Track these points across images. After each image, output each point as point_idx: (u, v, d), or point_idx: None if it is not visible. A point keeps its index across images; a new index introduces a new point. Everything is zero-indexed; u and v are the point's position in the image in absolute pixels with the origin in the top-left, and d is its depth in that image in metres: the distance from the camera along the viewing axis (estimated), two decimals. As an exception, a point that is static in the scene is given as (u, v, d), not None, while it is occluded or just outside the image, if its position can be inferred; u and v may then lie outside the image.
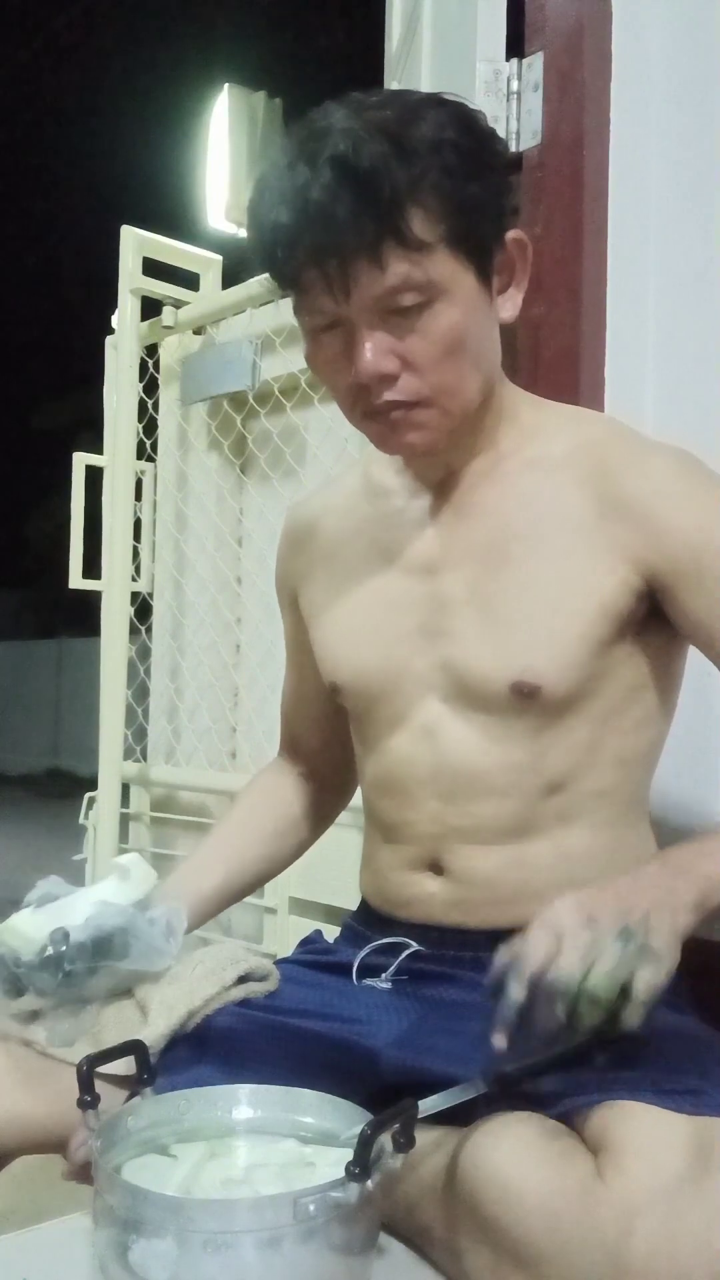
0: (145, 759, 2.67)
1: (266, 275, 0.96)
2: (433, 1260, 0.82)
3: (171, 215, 3.62)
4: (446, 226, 0.88)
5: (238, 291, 2.37)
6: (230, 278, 2.56)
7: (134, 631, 2.54)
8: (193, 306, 2.53)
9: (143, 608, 2.64)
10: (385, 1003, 1.00)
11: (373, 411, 0.95)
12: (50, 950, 0.92)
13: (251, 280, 2.21)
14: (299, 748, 1.26)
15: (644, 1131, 0.75)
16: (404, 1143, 0.73)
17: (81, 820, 2.59)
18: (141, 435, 2.57)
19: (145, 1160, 0.82)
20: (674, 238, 1.44)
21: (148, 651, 2.72)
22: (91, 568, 2.61)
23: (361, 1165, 0.70)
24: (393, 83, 1.68)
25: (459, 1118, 0.80)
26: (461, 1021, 0.92)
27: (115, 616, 2.46)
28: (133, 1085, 0.89)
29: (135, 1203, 0.70)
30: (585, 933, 0.76)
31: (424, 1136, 0.78)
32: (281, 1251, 0.68)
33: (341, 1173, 0.70)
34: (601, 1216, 0.70)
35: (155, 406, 2.64)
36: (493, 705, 0.98)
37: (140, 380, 2.55)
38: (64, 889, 1.02)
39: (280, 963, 1.11)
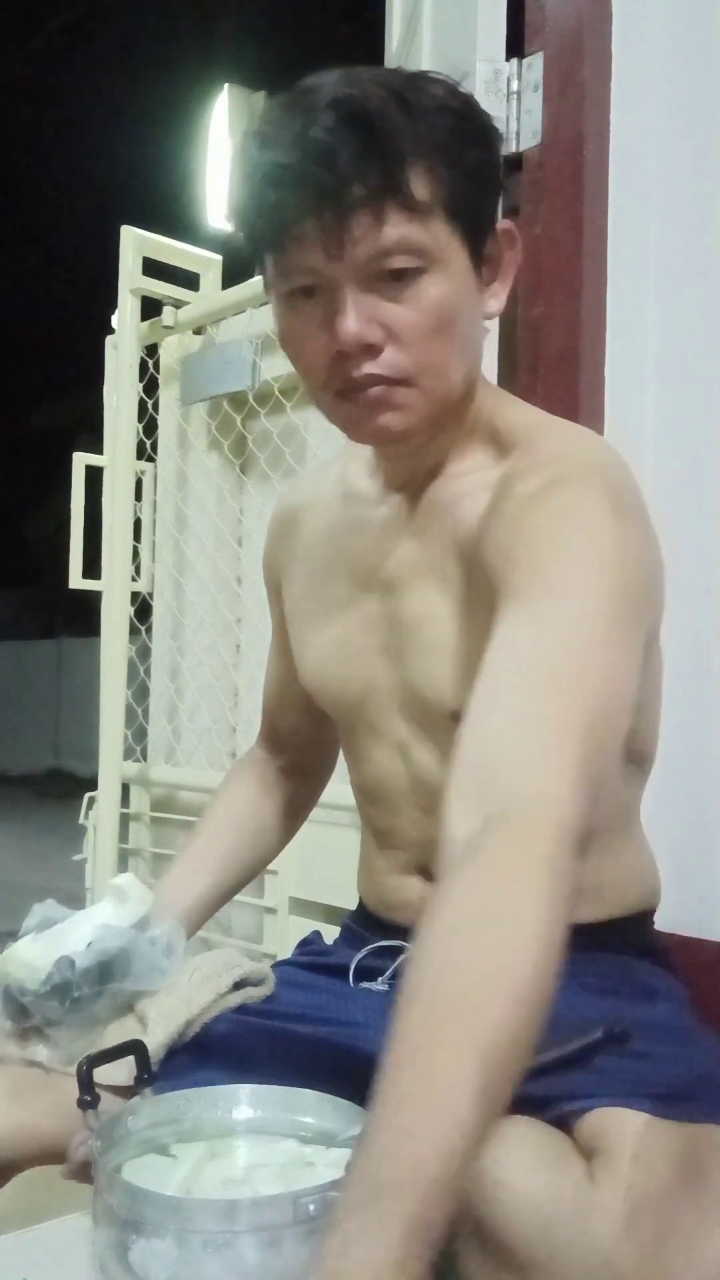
0: (145, 759, 2.67)
1: (239, 232, 0.89)
2: (431, 1262, 0.82)
3: (171, 215, 3.62)
4: (447, 192, 0.84)
5: (238, 291, 2.37)
6: (230, 278, 2.56)
7: (134, 631, 2.54)
8: (193, 306, 2.54)
9: (143, 608, 2.64)
10: (382, 1005, 0.99)
11: (349, 388, 0.87)
12: (57, 978, 0.92)
13: (252, 280, 2.21)
14: (280, 738, 1.24)
15: (638, 1138, 0.74)
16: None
17: (81, 820, 2.59)
18: (141, 435, 2.57)
19: (145, 1160, 0.82)
20: (674, 237, 1.44)
21: (148, 651, 2.72)
22: (91, 568, 2.61)
23: (361, 1165, 0.69)
24: (393, 83, 1.68)
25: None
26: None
27: (115, 616, 2.46)
28: (133, 1087, 0.89)
29: (135, 1203, 0.70)
30: None
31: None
32: (281, 1251, 0.68)
33: (341, 1173, 0.70)
34: (594, 1222, 0.70)
35: (155, 406, 2.64)
36: (447, 727, 0.93)
37: (140, 380, 2.55)
38: (61, 913, 1.01)
39: (278, 965, 1.11)
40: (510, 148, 1.52)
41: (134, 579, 2.53)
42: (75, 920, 1.00)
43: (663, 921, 1.08)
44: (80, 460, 2.65)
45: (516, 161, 1.53)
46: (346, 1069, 0.90)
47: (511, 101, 1.52)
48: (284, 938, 2.11)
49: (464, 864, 0.68)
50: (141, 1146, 0.83)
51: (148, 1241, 0.68)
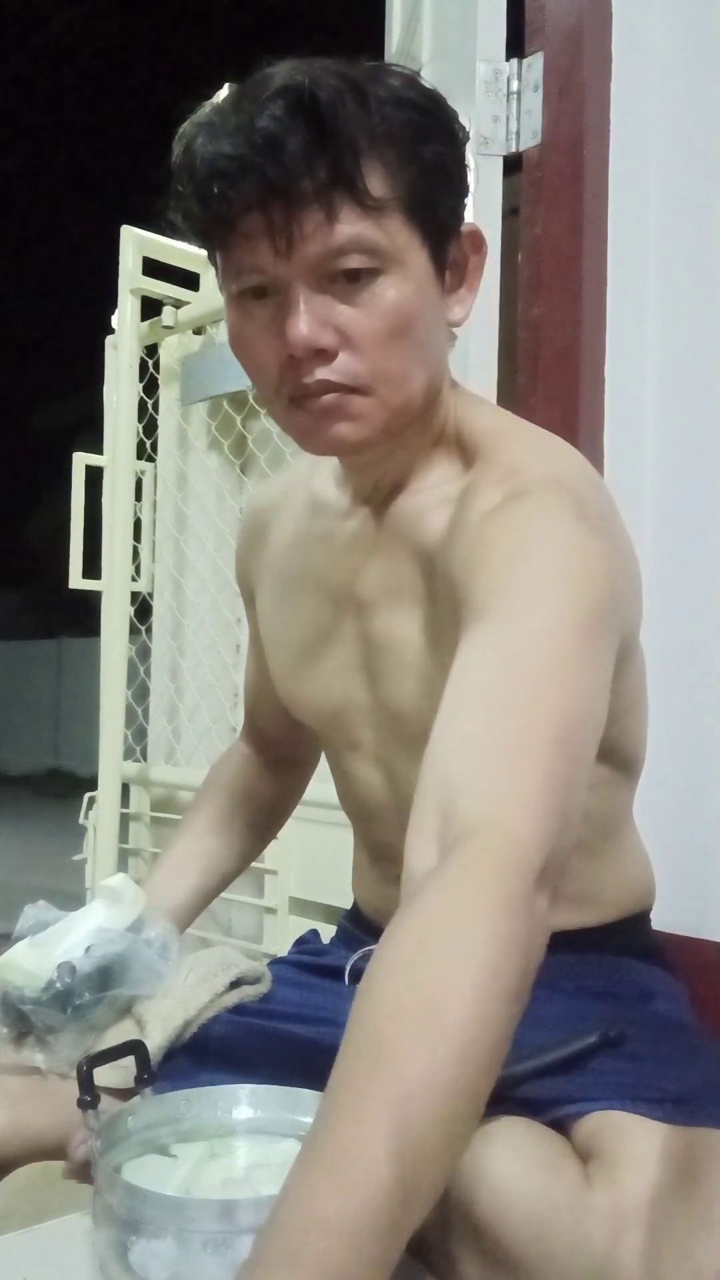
0: (145, 759, 2.67)
1: (185, 228, 0.84)
2: (429, 1263, 0.82)
3: (173, 216, 3.61)
4: (405, 188, 0.79)
5: (238, 291, 2.37)
6: (230, 278, 2.56)
7: (134, 631, 2.54)
8: (193, 306, 2.54)
9: (143, 608, 2.64)
10: None
11: (301, 395, 0.82)
12: (59, 985, 0.92)
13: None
14: (263, 736, 1.23)
15: (634, 1142, 0.74)
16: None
17: (81, 820, 2.59)
18: (141, 435, 2.57)
19: (145, 1160, 0.82)
20: (674, 237, 1.44)
21: (148, 651, 2.72)
22: (91, 568, 2.61)
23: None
24: (393, 83, 1.68)
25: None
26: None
27: (115, 616, 2.46)
28: (132, 1088, 0.89)
29: (135, 1203, 0.70)
30: None
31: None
32: (281, 1251, 0.68)
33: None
34: (590, 1226, 0.70)
35: (155, 406, 2.64)
36: (424, 744, 0.94)
37: (140, 380, 2.55)
38: (53, 914, 1.01)
39: (274, 964, 1.10)
40: (510, 148, 1.52)
41: (134, 579, 2.53)
42: (69, 922, 0.99)
43: (661, 922, 1.08)
44: (80, 460, 2.66)
45: (516, 161, 1.53)
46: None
47: (511, 101, 1.52)
48: (284, 937, 2.11)
49: (413, 898, 0.65)
50: (141, 1146, 0.83)
51: (148, 1241, 0.68)
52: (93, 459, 2.65)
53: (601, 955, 0.98)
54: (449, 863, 0.64)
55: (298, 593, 1.02)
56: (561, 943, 0.73)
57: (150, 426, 2.63)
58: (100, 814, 2.45)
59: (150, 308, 2.55)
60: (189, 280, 2.62)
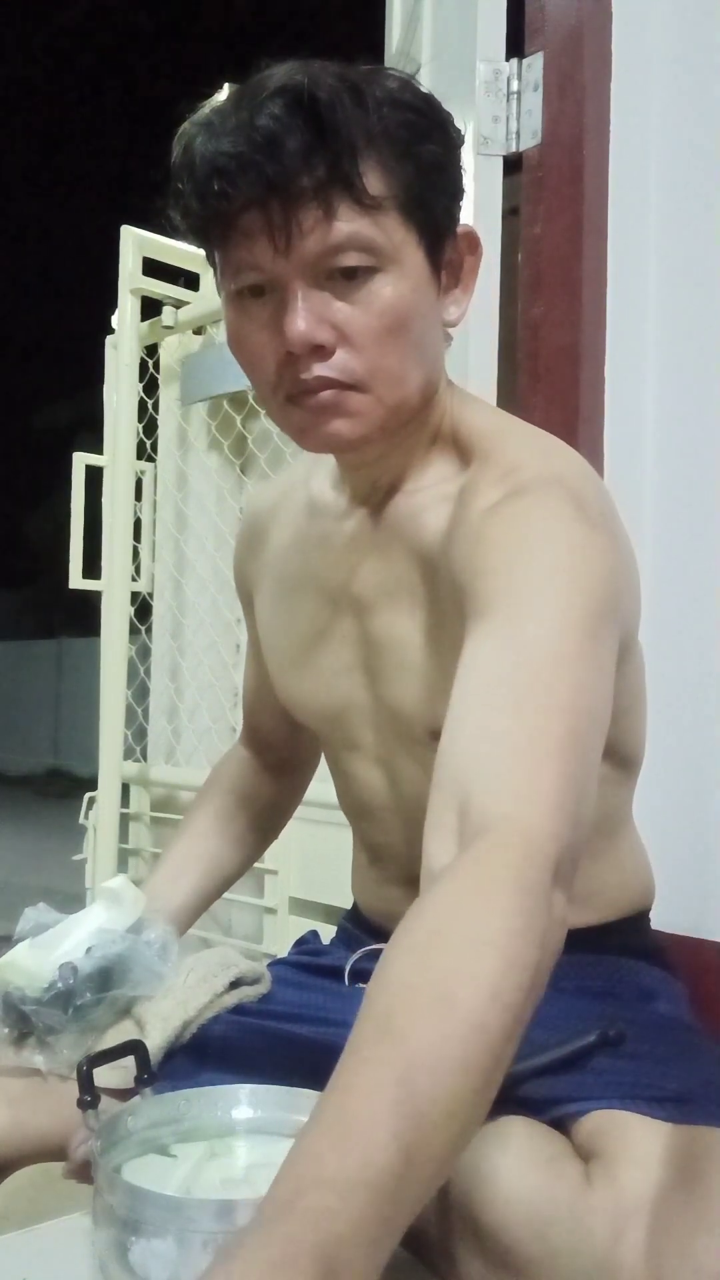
0: (145, 759, 2.67)
1: (184, 227, 0.85)
2: (429, 1263, 0.82)
3: (172, 215, 3.61)
4: (401, 188, 0.80)
5: (238, 291, 2.37)
6: (230, 278, 2.56)
7: (134, 631, 2.54)
8: (193, 306, 2.54)
9: (143, 608, 2.64)
10: None
11: (299, 392, 0.83)
12: (60, 986, 0.92)
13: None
14: (262, 739, 1.23)
15: (635, 1141, 0.74)
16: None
17: (81, 820, 2.59)
18: (141, 435, 2.57)
19: (145, 1160, 0.82)
20: (674, 237, 1.44)
21: (148, 651, 2.72)
22: (91, 568, 2.61)
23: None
24: (393, 83, 1.68)
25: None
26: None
27: (115, 616, 2.46)
28: (132, 1088, 0.89)
29: (135, 1203, 0.70)
30: None
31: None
32: (281, 1251, 0.68)
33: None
34: (590, 1224, 0.70)
35: (155, 406, 2.64)
36: (427, 744, 0.92)
37: (140, 380, 2.55)
38: (53, 917, 1.01)
39: (273, 964, 1.10)
40: (510, 148, 1.52)
41: (134, 579, 2.53)
42: (69, 924, 0.99)
43: (662, 922, 1.08)
44: (80, 460, 2.66)
45: (516, 161, 1.53)
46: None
47: (511, 101, 1.52)
48: (284, 938, 2.11)
49: (430, 888, 0.65)
50: (141, 1146, 0.83)
51: (148, 1241, 0.68)
52: (93, 459, 2.65)
53: (601, 955, 0.98)
54: (466, 855, 0.65)
55: (297, 594, 1.02)
56: None
57: (150, 426, 2.63)
58: (100, 814, 2.45)
59: (150, 308, 2.55)
60: (189, 280, 2.62)
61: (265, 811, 1.22)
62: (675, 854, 1.26)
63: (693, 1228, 0.68)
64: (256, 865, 1.28)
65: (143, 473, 2.64)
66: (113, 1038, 0.94)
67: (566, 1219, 0.71)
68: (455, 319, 0.89)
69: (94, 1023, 0.94)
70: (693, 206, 1.43)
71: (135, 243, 2.48)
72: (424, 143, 0.81)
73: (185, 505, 2.62)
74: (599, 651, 0.76)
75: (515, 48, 1.53)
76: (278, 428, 0.90)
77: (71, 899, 1.10)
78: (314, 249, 0.79)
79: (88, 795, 2.56)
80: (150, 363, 2.62)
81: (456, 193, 0.86)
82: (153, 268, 2.52)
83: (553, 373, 1.46)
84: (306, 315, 0.80)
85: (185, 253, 2.60)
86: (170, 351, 2.63)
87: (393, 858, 1.02)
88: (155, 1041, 0.93)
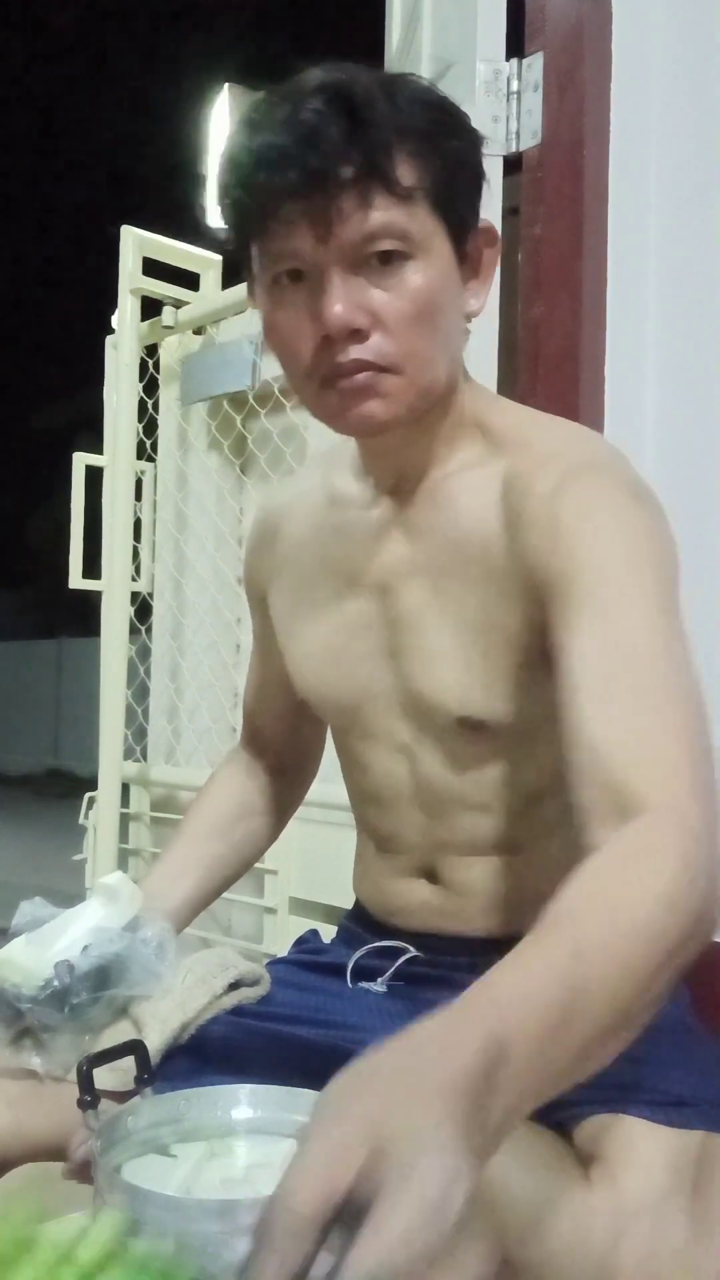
0: (145, 759, 2.67)
1: (227, 220, 0.88)
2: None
3: (171, 215, 3.62)
4: (430, 180, 0.84)
5: (238, 291, 2.37)
6: (230, 277, 2.56)
7: (134, 631, 2.54)
8: (193, 306, 2.54)
9: (143, 608, 2.64)
10: (380, 1006, 0.99)
11: (334, 374, 0.86)
12: (57, 983, 0.91)
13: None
14: (263, 741, 1.23)
15: (635, 1145, 0.75)
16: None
17: (81, 820, 2.59)
18: (141, 435, 2.57)
19: (145, 1160, 0.82)
20: (674, 237, 1.45)
21: (148, 651, 2.72)
22: (91, 568, 2.61)
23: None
24: (393, 83, 1.68)
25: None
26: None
27: (115, 616, 2.46)
28: (132, 1089, 0.89)
29: (135, 1203, 0.70)
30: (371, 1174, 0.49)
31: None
32: (281, 1251, 0.68)
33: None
34: (590, 1227, 0.70)
35: (155, 406, 2.64)
36: (452, 731, 0.94)
37: (140, 380, 2.55)
38: (49, 911, 1.00)
39: (273, 964, 1.10)
40: (510, 148, 1.53)
41: (134, 579, 2.53)
42: (65, 920, 0.99)
43: (663, 921, 1.07)
44: (80, 460, 2.66)
45: (516, 161, 1.53)
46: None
47: (511, 101, 1.52)
48: (284, 938, 2.11)
49: (596, 852, 0.68)
50: (141, 1146, 0.83)
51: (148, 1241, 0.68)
52: (93, 459, 2.65)
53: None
54: (630, 825, 0.68)
55: (317, 584, 1.03)
56: None
57: (150, 426, 2.63)
58: (100, 814, 2.45)
59: (150, 308, 2.55)
60: (189, 280, 2.62)
61: (265, 813, 1.21)
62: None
63: (692, 1232, 0.69)
64: (256, 865, 1.27)
65: (143, 473, 2.64)
66: (110, 1039, 0.94)
67: (566, 1222, 0.71)
68: (476, 309, 0.93)
69: (90, 1022, 0.94)
70: (693, 206, 1.43)
71: (135, 243, 2.48)
72: (450, 139, 0.86)
73: (185, 505, 2.63)
74: (682, 628, 0.81)
75: (515, 48, 1.53)
76: (310, 413, 0.92)
77: (71, 899, 1.10)
78: (352, 236, 0.82)
79: (88, 795, 2.56)
80: (150, 363, 2.62)
81: (479, 187, 0.91)
82: (153, 268, 2.52)
83: (553, 373, 1.46)
84: (344, 300, 0.83)
85: (185, 253, 2.60)
86: (170, 351, 2.63)
87: (405, 848, 1.02)
88: (153, 1043, 0.92)
